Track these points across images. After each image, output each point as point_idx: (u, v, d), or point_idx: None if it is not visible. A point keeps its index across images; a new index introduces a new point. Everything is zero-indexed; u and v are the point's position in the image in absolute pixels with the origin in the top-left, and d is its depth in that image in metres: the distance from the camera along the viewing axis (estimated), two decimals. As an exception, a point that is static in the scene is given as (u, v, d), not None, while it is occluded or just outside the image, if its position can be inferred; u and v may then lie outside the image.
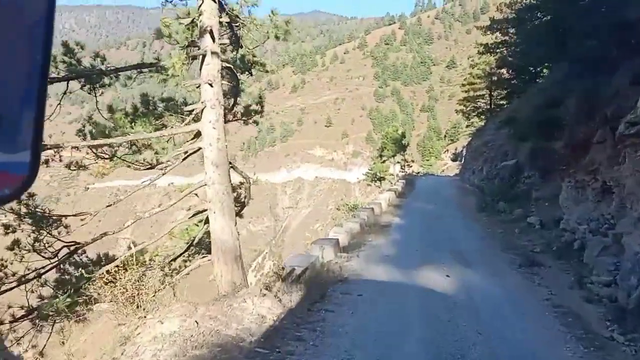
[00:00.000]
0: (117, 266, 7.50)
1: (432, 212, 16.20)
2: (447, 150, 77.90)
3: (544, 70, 24.98)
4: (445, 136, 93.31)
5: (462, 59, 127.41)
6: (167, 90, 12.51)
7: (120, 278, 6.11)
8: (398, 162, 46.43)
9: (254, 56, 10.06)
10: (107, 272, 7.19)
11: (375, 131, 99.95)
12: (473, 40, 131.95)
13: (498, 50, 30.46)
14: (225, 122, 9.34)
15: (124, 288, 5.93)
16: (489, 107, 36.64)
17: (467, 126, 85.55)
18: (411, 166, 49.57)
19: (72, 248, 8.76)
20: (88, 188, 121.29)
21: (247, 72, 10.30)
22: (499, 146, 18.51)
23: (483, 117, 38.74)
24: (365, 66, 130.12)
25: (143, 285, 6.09)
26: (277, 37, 9.54)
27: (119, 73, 9.37)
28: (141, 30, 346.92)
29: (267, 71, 10.86)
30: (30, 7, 0.83)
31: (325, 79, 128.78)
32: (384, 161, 43.07)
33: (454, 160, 68.94)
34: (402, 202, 19.24)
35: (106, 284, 6.25)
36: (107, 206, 9.76)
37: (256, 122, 11.67)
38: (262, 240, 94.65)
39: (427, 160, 59.66)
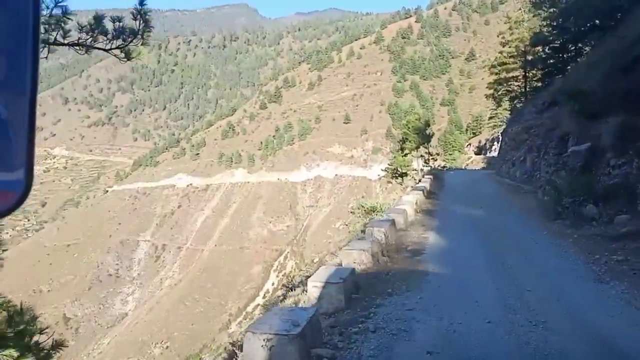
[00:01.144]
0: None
1: (483, 222, 11.48)
2: (470, 144, 75.94)
3: (585, 48, 23.22)
4: (467, 130, 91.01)
5: (481, 51, 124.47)
6: None
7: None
8: (422, 156, 41.73)
9: None
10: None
11: (394, 126, 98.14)
12: (492, 31, 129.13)
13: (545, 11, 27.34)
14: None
15: None
16: (523, 89, 33.53)
17: (491, 118, 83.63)
18: (436, 160, 45.89)
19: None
20: (107, 191, 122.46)
21: None
22: (547, 130, 15.68)
23: (517, 100, 35.43)
24: (383, 61, 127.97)
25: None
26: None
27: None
28: (157, 33, 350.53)
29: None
30: (16, 22, 0.85)
31: (342, 75, 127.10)
32: (405, 154, 38.49)
33: (477, 153, 67.02)
34: (435, 206, 14.67)
35: None
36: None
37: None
38: (284, 240, 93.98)
39: (450, 154, 57.77)
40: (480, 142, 74.77)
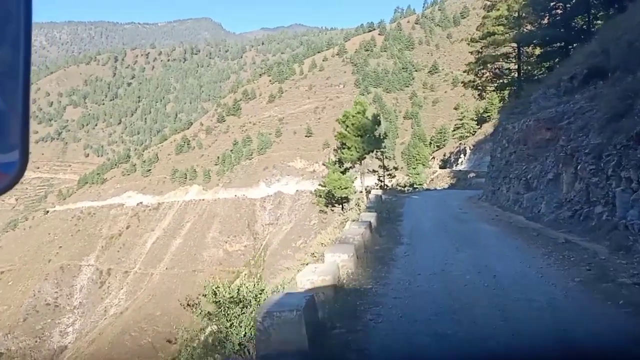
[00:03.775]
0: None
1: None
2: (434, 158, 72.74)
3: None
4: (430, 143, 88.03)
5: (444, 64, 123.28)
6: None
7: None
8: (374, 171, 32.07)
9: None
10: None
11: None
12: (455, 45, 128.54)
13: None
14: None
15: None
16: (517, 72, 25.47)
17: (457, 128, 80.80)
18: (394, 176, 34.85)
19: None
20: (48, 211, 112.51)
21: None
22: (604, 119, 8.95)
23: (511, 88, 26.51)
24: (345, 73, 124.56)
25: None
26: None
27: None
28: (115, 46, 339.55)
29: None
30: (8, 9, 0.87)
31: (303, 87, 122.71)
32: (345, 170, 27.87)
33: (442, 167, 63.40)
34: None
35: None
36: None
37: None
38: (241, 260, 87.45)
39: (414, 168, 53.51)
40: (445, 155, 71.43)
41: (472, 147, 58.26)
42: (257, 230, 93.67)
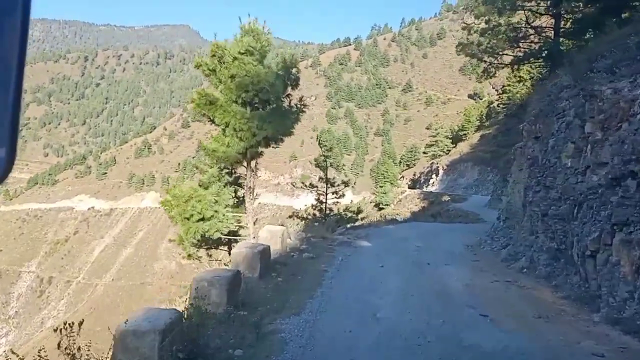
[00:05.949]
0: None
1: None
2: (403, 177, 69.58)
3: None
4: (400, 162, 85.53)
5: (418, 83, 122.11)
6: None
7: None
8: (312, 186, 23.14)
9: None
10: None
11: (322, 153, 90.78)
12: (430, 65, 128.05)
13: None
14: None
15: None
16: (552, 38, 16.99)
17: (430, 146, 77.28)
18: (342, 195, 23.68)
19: None
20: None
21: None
22: None
23: (543, 60, 17.94)
24: (318, 85, 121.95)
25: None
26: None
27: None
28: (88, 46, 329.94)
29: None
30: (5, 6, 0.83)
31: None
32: (210, 182, 13.59)
33: (412, 187, 60.17)
34: None
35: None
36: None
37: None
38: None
39: (382, 187, 50.26)
40: (415, 174, 68.47)
41: (445, 167, 54.76)
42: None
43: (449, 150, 64.22)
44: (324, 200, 22.72)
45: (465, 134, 64.04)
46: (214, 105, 12.08)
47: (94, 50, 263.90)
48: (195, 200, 12.41)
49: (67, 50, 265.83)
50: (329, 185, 22.83)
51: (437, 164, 58.78)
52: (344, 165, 47.13)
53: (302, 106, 13.74)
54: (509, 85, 55.69)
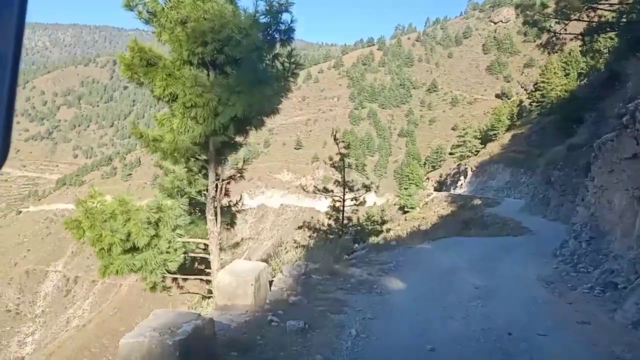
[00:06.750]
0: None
1: None
2: (429, 179, 67.53)
3: None
4: (425, 163, 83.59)
5: (443, 83, 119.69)
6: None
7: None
8: (327, 190, 19.86)
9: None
10: None
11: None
12: (455, 64, 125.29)
13: None
14: None
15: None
16: None
17: (458, 146, 74.05)
18: (363, 202, 18.82)
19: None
20: (21, 212, 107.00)
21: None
22: None
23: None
24: (341, 86, 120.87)
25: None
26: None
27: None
28: (118, 51, 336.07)
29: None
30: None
31: (296, 98, 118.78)
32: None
33: (438, 189, 57.80)
34: None
35: None
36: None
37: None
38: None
39: (406, 189, 48.72)
40: (441, 176, 66.17)
41: (474, 169, 51.88)
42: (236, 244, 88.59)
43: (478, 151, 61.15)
44: (341, 208, 18.32)
45: (495, 134, 61.25)
46: (155, 67, 7.58)
47: (123, 54, 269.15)
48: (121, 219, 7.71)
49: (97, 54, 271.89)
50: (346, 190, 18.33)
51: (466, 165, 56.02)
52: (364, 165, 45.28)
53: (294, 66, 8.83)
54: (543, 82, 53.18)
